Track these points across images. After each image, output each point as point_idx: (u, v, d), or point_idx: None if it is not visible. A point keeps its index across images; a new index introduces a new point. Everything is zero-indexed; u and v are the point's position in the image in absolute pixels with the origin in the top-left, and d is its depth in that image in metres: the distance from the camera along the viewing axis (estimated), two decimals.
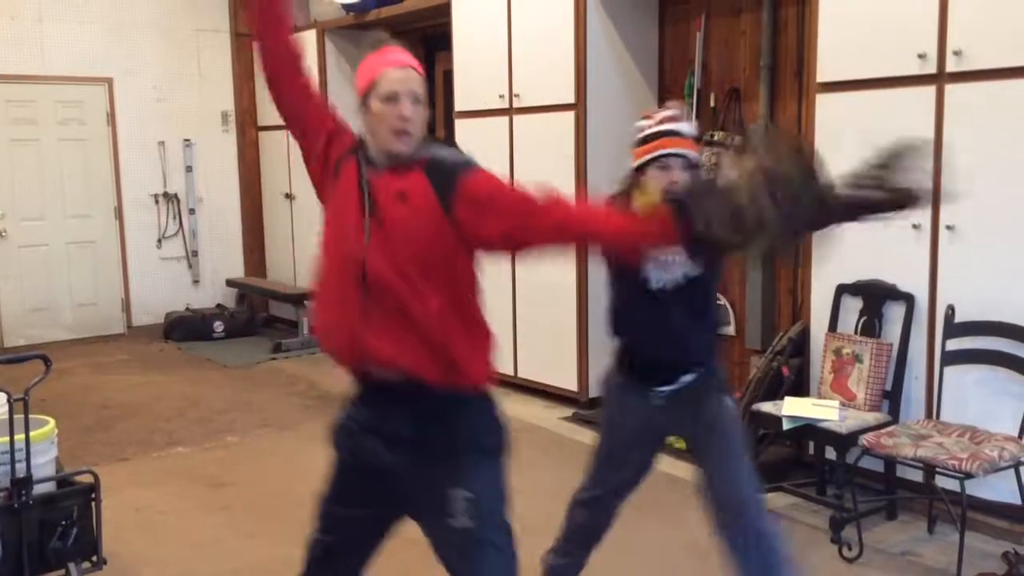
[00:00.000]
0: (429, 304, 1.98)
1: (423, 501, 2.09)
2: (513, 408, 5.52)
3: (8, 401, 2.83)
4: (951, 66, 3.58)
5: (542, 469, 4.53)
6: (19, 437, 2.85)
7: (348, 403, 2.17)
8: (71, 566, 2.97)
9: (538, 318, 5.65)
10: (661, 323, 2.61)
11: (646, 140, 2.67)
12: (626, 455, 2.80)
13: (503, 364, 5.84)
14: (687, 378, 2.64)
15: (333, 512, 2.21)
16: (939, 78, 3.62)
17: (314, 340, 7.43)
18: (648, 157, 2.63)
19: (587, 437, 4.99)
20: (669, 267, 2.61)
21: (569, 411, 5.42)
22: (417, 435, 2.04)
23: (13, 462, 2.86)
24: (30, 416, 2.90)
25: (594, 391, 5.45)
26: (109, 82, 7.59)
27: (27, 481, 2.88)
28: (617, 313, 2.73)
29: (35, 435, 2.92)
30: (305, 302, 7.49)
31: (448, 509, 2.02)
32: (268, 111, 8.11)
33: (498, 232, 2.00)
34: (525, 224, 1.99)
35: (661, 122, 2.65)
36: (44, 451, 3.02)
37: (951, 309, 3.61)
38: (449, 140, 2.22)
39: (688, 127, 2.67)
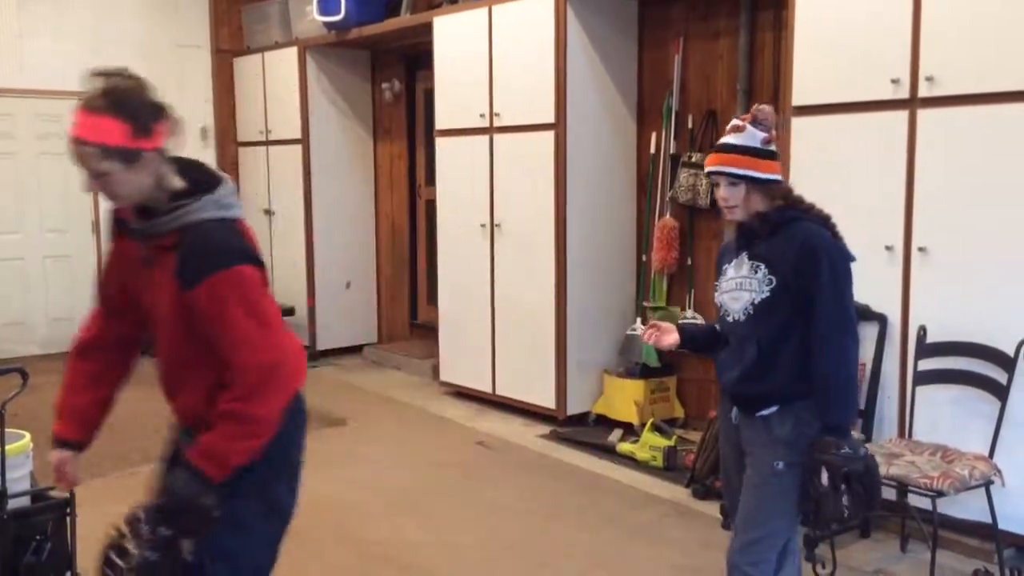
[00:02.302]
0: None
1: None
2: (491, 425, 5.55)
3: None
4: (923, 91, 3.65)
5: (520, 487, 4.54)
6: None
7: None
8: None
9: (516, 335, 5.67)
10: (739, 353, 2.58)
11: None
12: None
13: (481, 381, 5.90)
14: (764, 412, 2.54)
15: None
16: (911, 103, 3.69)
17: None
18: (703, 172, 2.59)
19: (565, 455, 5.01)
20: (739, 294, 2.56)
21: (547, 429, 5.43)
22: None
23: None
24: (5, 430, 2.87)
25: (572, 408, 5.47)
26: None
27: (1, 495, 2.85)
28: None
29: (10, 449, 2.89)
30: (284, 317, 7.48)
31: None
32: (247, 127, 8.12)
33: None
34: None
35: (724, 134, 2.58)
36: (19, 465, 2.99)
37: (923, 330, 3.67)
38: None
39: (745, 138, 2.52)
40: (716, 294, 2.67)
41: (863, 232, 3.87)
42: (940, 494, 3.16)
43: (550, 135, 5.30)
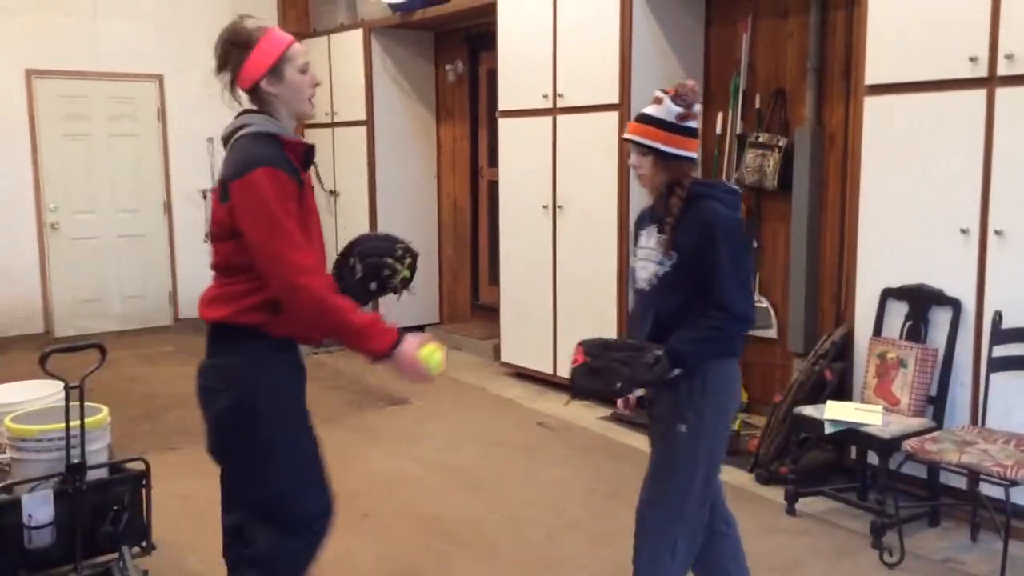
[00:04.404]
0: None
1: None
2: (552, 406, 5.56)
3: (64, 388, 2.91)
4: (1002, 70, 3.53)
5: (580, 467, 4.55)
6: (74, 424, 2.93)
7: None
8: (124, 549, 3.05)
9: (578, 317, 5.66)
10: (642, 320, 2.68)
11: None
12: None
13: (542, 362, 5.91)
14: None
15: None
16: (990, 81, 3.58)
17: None
18: None
19: (625, 436, 5.00)
20: (647, 264, 2.65)
21: (608, 410, 5.42)
22: None
23: (68, 448, 2.94)
24: (84, 404, 2.97)
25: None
26: (160, 79, 7.74)
27: (81, 467, 2.96)
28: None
29: (89, 422, 3.00)
30: None
31: None
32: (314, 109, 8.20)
33: None
34: None
35: (650, 103, 2.63)
36: (98, 438, 3.10)
37: (999, 315, 3.57)
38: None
39: (661, 111, 2.58)
40: (633, 259, 2.77)
41: (937, 215, 3.78)
42: (1014, 483, 3.08)
43: (614, 115, 5.26)
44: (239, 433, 2.33)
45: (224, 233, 2.29)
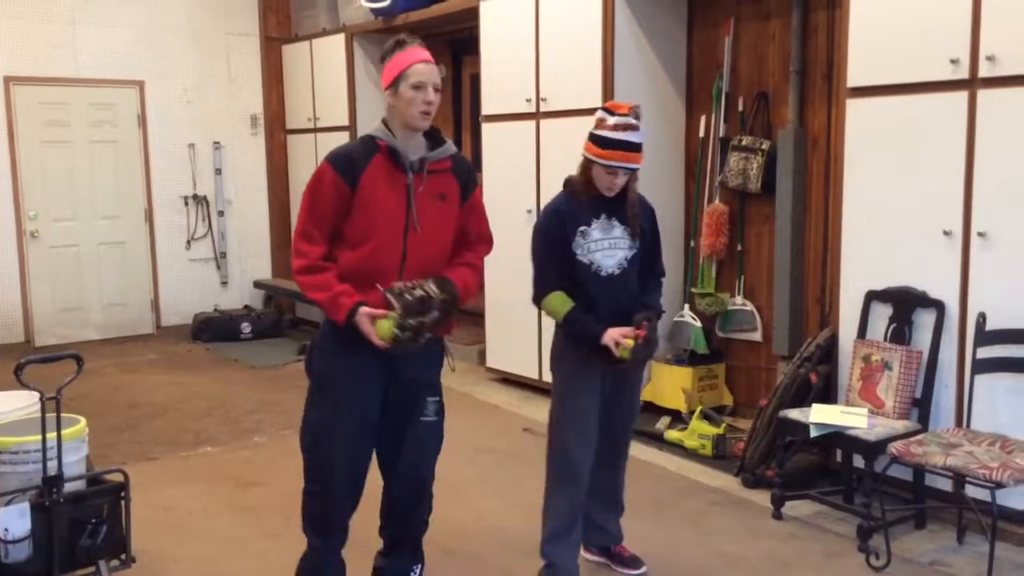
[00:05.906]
0: None
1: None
2: (538, 412, 5.53)
3: (40, 400, 2.86)
4: (984, 71, 3.54)
5: None
6: (51, 435, 2.87)
7: None
8: (101, 564, 3.00)
9: None
10: (615, 301, 3.06)
11: (604, 143, 2.95)
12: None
13: (528, 367, 5.89)
14: None
15: None
16: (972, 83, 3.59)
17: None
18: (602, 162, 2.97)
19: None
20: (613, 252, 3.06)
21: None
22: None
23: (45, 460, 2.89)
24: (61, 415, 2.93)
25: None
26: (140, 85, 7.68)
27: (58, 479, 2.90)
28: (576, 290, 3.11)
29: (66, 434, 2.95)
30: None
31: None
32: (296, 114, 8.17)
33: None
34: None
35: (616, 128, 2.93)
36: (75, 449, 3.05)
37: (982, 317, 3.57)
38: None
39: (641, 135, 2.95)
40: (581, 253, 3.04)
41: (920, 217, 3.78)
42: (999, 485, 3.08)
43: None
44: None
45: None
